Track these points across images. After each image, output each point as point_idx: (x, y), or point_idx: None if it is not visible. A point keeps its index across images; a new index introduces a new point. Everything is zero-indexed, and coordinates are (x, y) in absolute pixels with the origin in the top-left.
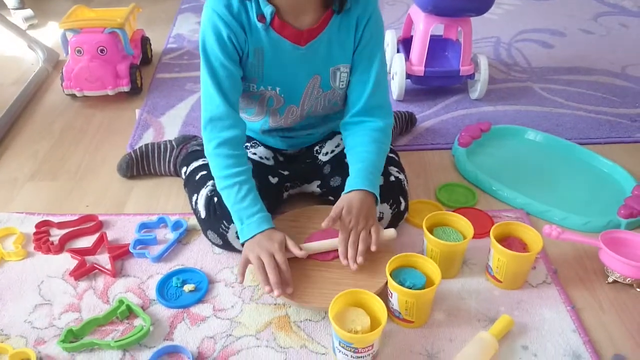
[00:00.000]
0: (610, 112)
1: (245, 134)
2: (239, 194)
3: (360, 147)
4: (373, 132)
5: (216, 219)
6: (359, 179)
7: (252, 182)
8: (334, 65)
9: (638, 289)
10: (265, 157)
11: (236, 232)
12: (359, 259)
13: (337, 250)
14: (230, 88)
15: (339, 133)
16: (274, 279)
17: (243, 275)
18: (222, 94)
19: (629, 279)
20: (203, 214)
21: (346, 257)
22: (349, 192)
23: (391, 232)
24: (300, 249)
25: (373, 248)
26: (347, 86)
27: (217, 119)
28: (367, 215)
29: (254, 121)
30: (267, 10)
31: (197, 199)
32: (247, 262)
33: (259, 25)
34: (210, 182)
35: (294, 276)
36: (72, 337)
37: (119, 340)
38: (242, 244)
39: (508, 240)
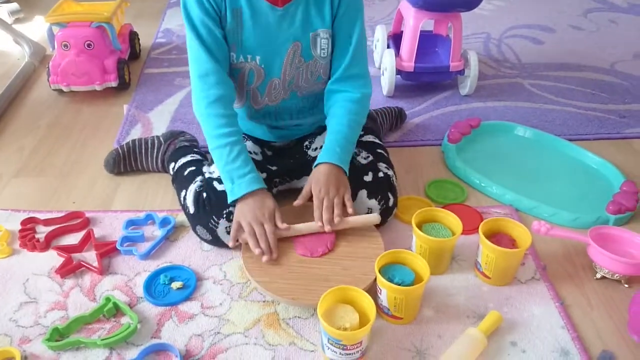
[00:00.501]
0: (599, 109)
1: (234, 94)
2: (231, 154)
3: (334, 119)
4: (348, 103)
5: (205, 214)
6: (326, 152)
7: (243, 143)
8: (313, 30)
9: (626, 285)
10: (254, 152)
11: (226, 228)
12: (336, 219)
13: (326, 245)
14: (214, 44)
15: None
16: (264, 246)
17: (235, 239)
18: (207, 50)
19: (617, 275)
20: (192, 210)
21: (321, 220)
22: (316, 166)
23: (374, 216)
24: (285, 223)
25: (350, 210)
26: (329, 56)
27: (204, 74)
28: (336, 184)
29: (238, 108)
30: None
31: (185, 195)
32: (239, 227)
33: None
34: (198, 178)
35: (282, 273)
36: (57, 336)
37: (106, 339)
38: (232, 204)
39: (497, 237)
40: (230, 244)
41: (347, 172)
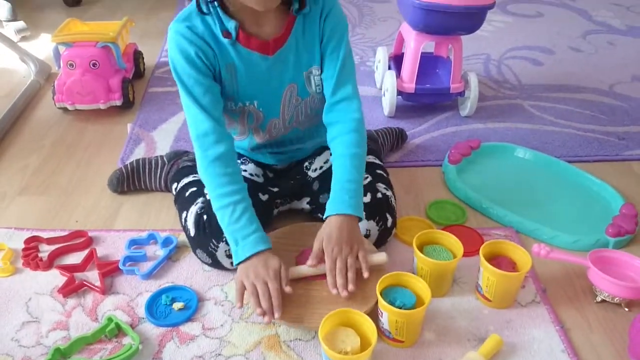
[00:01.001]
0: (598, 130)
1: (234, 148)
2: (234, 215)
3: (336, 161)
4: (345, 136)
5: (205, 237)
6: (334, 202)
7: (247, 200)
8: (306, 70)
9: (626, 309)
10: (255, 174)
11: (225, 251)
12: (350, 287)
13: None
14: (210, 103)
15: (328, 148)
16: (267, 306)
17: (241, 301)
18: (203, 109)
19: (617, 298)
20: (192, 232)
21: (335, 287)
22: (327, 218)
23: (382, 256)
24: (289, 286)
25: (365, 275)
26: (323, 90)
27: (202, 135)
28: (349, 240)
29: (240, 140)
30: (231, 25)
31: (186, 216)
32: (242, 287)
33: (226, 41)
34: (200, 199)
35: (285, 296)
36: (59, 356)
37: (108, 359)
38: (236, 266)
39: (497, 259)
40: (238, 306)
41: (362, 217)
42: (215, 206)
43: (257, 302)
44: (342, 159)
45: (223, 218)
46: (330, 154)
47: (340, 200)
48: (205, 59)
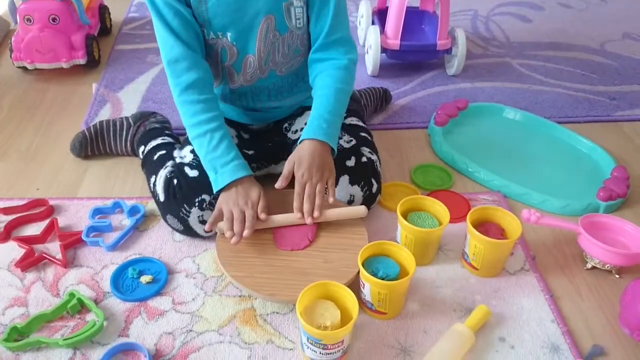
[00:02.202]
0: (589, 90)
1: (210, 76)
2: (212, 142)
3: (320, 90)
4: (334, 70)
5: (176, 202)
6: (311, 127)
7: (224, 128)
8: (285, 0)
9: (617, 276)
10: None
11: (198, 217)
12: (315, 213)
13: (307, 237)
14: (181, 27)
15: (309, 109)
16: (238, 228)
17: (212, 224)
18: (173, 34)
19: (607, 265)
20: (162, 197)
21: (301, 211)
22: (300, 142)
23: (361, 209)
24: (265, 214)
25: (331, 200)
26: (305, 25)
27: (173, 61)
28: (320, 166)
29: (215, 87)
30: None
31: (155, 181)
32: (220, 214)
33: None
34: (169, 163)
35: (259, 267)
36: (16, 335)
37: (69, 338)
38: (216, 194)
39: (485, 226)
40: (206, 227)
41: (335, 150)
42: (191, 135)
43: (230, 227)
44: (327, 89)
45: (201, 147)
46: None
47: (318, 127)
48: None
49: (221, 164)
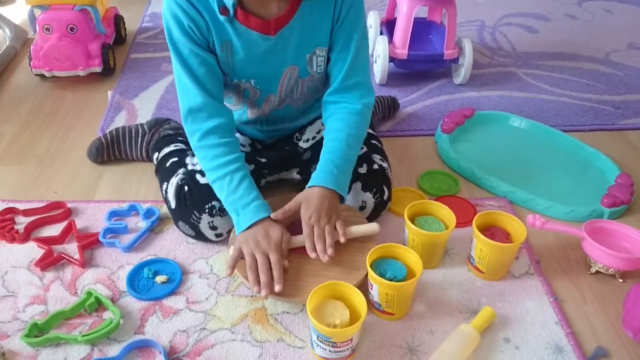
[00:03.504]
0: (594, 99)
1: (232, 121)
2: (231, 185)
3: (331, 135)
4: (347, 115)
5: (187, 209)
6: (321, 174)
7: (245, 168)
8: (310, 52)
9: (621, 280)
10: (242, 144)
11: (209, 223)
12: (329, 251)
13: None
14: (206, 76)
15: (320, 118)
16: (265, 280)
17: (233, 268)
18: (198, 83)
19: (611, 269)
20: (173, 204)
21: (314, 251)
22: (310, 187)
23: (373, 226)
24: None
25: (342, 240)
26: (324, 69)
27: (196, 110)
28: (329, 211)
29: (234, 110)
30: (229, 1)
31: (167, 188)
32: (239, 256)
33: (222, 18)
34: (181, 170)
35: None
36: (36, 331)
37: (87, 335)
38: (238, 235)
39: (491, 230)
40: (227, 272)
41: (345, 198)
42: (211, 178)
43: (255, 277)
44: (339, 134)
45: (221, 189)
46: (322, 124)
47: (329, 173)
48: (198, 32)
49: (242, 205)
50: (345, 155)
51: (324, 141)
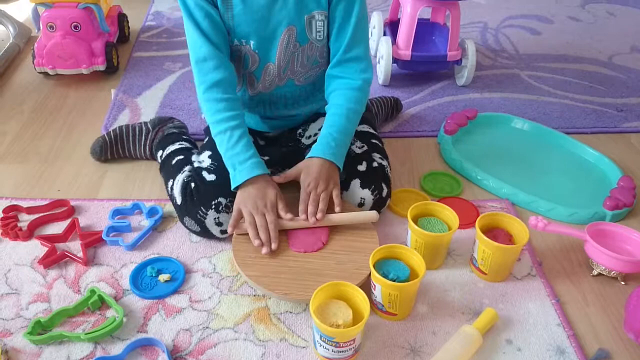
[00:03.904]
0: (596, 102)
1: (234, 77)
2: (231, 140)
3: (332, 109)
4: (348, 90)
5: (193, 205)
6: (320, 146)
7: (244, 127)
8: (308, 13)
9: (622, 283)
10: None
11: (215, 219)
12: (319, 215)
13: (320, 240)
14: (210, 28)
15: (324, 115)
16: (265, 237)
17: (234, 226)
18: (203, 34)
19: (613, 272)
20: (179, 200)
21: (305, 213)
22: (309, 158)
23: (372, 214)
24: (288, 213)
25: (337, 209)
26: (325, 38)
27: (201, 60)
28: (326, 178)
29: None
30: None
31: (172, 185)
32: (239, 215)
33: None
34: (187, 168)
35: (274, 267)
36: (40, 329)
37: (90, 333)
38: (235, 190)
39: (494, 232)
40: (229, 230)
41: (342, 168)
42: (213, 131)
43: (255, 233)
44: (339, 108)
45: (221, 143)
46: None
47: (327, 145)
48: None
49: (239, 161)
50: (344, 129)
51: (326, 114)
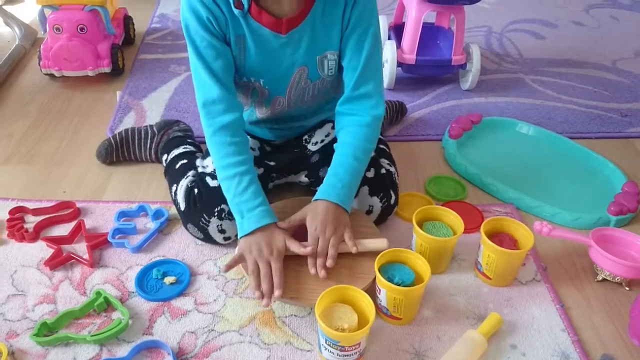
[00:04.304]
0: (601, 107)
1: (243, 118)
2: (240, 186)
3: (340, 149)
4: (357, 128)
5: (196, 211)
6: (326, 188)
7: (254, 172)
8: (320, 54)
9: (627, 288)
10: (252, 147)
11: (217, 226)
12: (329, 262)
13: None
14: (221, 69)
15: (330, 122)
16: (267, 288)
17: (230, 268)
18: (213, 76)
19: (618, 277)
20: (182, 206)
21: (314, 266)
22: (315, 200)
23: (382, 242)
24: (304, 246)
25: (354, 250)
26: (336, 72)
27: (210, 103)
28: (334, 222)
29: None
30: None
31: (176, 190)
32: (241, 260)
33: (237, 11)
34: (190, 173)
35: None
36: (46, 331)
37: (96, 335)
38: (240, 239)
39: (499, 237)
40: (223, 270)
41: (349, 211)
42: (220, 176)
43: (257, 283)
44: (347, 147)
45: (229, 189)
46: (332, 128)
47: (333, 187)
48: (216, 25)
49: (248, 209)
50: (352, 169)
51: (333, 154)
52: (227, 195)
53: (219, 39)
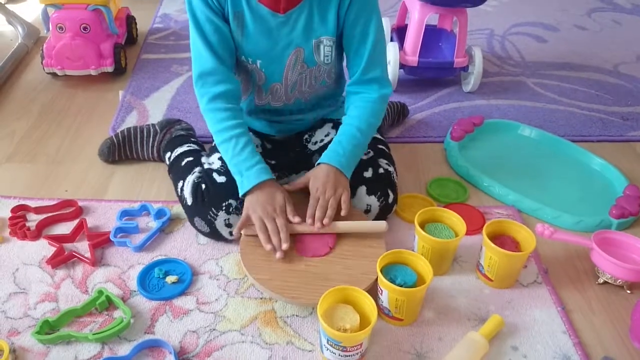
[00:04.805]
0: (602, 110)
1: (239, 90)
2: (237, 147)
3: (347, 120)
4: (365, 102)
5: (204, 205)
6: (330, 153)
7: (248, 135)
8: (316, 37)
9: (628, 291)
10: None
11: (225, 220)
12: (325, 220)
13: (327, 245)
14: (218, 42)
15: (330, 121)
16: (276, 241)
17: (240, 229)
18: (210, 48)
19: (619, 280)
20: (189, 201)
21: (312, 217)
22: (318, 164)
23: (382, 224)
24: (297, 216)
25: (343, 213)
26: (332, 61)
27: (206, 74)
28: (334, 184)
29: (242, 100)
30: None
31: (182, 186)
32: (248, 220)
33: None
34: (197, 169)
35: (281, 271)
36: (47, 329)
37: (98, 333)
38: (242, 197)
39: (500, 239)
40: (235, 232)
41: (349, 177)
42: (217, 140)
43: (267, 237)
44: (353, 119)
45: (226, 151)
46: (332, 128)
47: (335, 153)
48: (217, 0)
49: (246, 167)
50: (354, 139)
51: (341, 126)
52: (226, 157)
53: (218, 14)
